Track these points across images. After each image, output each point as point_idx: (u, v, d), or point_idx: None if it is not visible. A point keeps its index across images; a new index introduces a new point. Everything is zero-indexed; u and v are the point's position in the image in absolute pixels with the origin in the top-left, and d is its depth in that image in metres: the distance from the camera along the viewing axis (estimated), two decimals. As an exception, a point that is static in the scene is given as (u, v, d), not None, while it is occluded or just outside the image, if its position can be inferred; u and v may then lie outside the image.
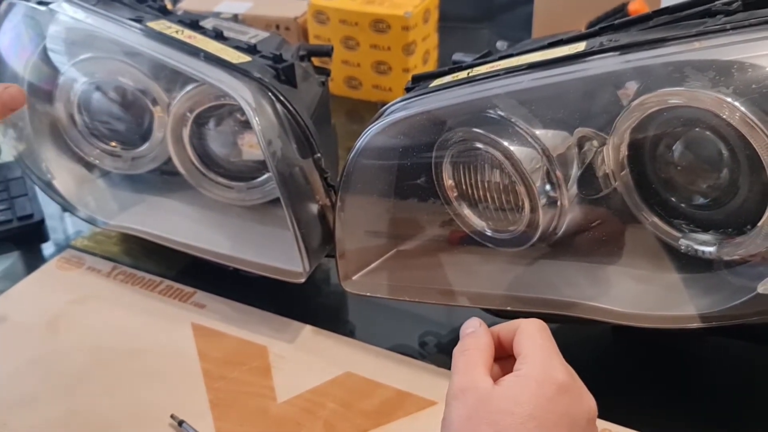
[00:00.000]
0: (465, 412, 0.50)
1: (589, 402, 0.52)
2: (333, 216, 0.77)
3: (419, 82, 0.76)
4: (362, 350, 0.79)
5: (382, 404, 0.73)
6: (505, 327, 0.56)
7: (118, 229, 0.91)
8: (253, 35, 0.89)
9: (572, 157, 0.69)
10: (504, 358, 0.56)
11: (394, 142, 0.75)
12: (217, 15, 1.24)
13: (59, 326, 0.83)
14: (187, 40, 0.80)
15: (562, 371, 0.51)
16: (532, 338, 0.53)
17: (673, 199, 0.68)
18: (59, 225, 1.01)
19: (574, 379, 0.52)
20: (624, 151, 0.67)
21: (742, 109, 0.57)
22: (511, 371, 0.52)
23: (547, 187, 0.70)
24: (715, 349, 0.78)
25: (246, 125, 0.84)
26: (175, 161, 0.87)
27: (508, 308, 0.74)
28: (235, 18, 1.26)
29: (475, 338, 0.55)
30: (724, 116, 0.59)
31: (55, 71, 0.90)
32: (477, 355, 0.54)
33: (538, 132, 0.69)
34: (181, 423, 0.70)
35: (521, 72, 0.67)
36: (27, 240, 0.98)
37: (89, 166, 0.95)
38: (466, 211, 0.77)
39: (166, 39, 0.80)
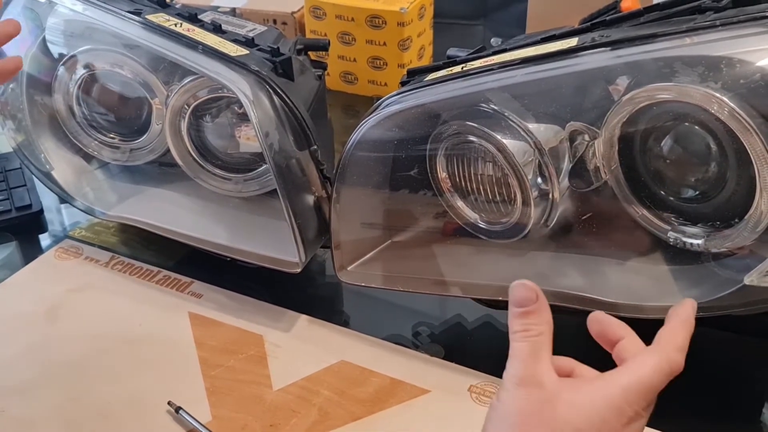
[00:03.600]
0: (525, 406, 0.47)
1: None
2: (329, 207, 0.78)
3: (414, 75, 0.77)
4: (356, 339, 0.80)
5: (375, 392, 0.74)
6: (632, 342, 0.52)
7: (117, 219, 0.92)
8: (251, 29, 0.89)
9: (564, 151, 0.70)
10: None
11: (389, 135, 0.76)
12: (215, 8, 1.25)
13: (58, 315, 0.84)
14: (186, 33, 0.81)
15: (636, 411, 0.48)
16: (643, 366, 0.49)
17: (662, 192, 0.69)
18: (57, 216, 1.02)
19: (644, 416, 0.49)
20: (615, 144, 0.68)
21: (731, 104, 0.58)
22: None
23: (539, 180, 0.71)
24: (702, 339, 0.79)
25: (243, 117, 0.85)
26: (173, 153, 0.88)
27: (500, 299, 0.75)
28: (233, 12, 1.27)
29: (537, 319, 0.50)
30: (713, 111, 0.60)
31: (54, 63, 0.91)
32: (540, 341, 0.49)
33: (530, 126, 0.70)
34: (178, 410, 0.71)
35: (515, 66, 0.68)
36: (25, 230, 0.98)
37: (88, 158, 0.96)
38: (460, 203, 0.78)
39: (165, 32, 0.81)
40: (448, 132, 0.75)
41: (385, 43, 1.21)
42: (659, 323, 0.68)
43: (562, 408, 0.47)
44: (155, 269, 0.90)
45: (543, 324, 0.50)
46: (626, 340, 0.53)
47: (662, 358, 0.50)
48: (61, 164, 0.95)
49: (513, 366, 0.49)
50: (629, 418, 0.47)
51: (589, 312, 0.70)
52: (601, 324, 0.54)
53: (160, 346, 0.80)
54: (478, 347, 0.80)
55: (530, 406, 0.47)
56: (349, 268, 0.81)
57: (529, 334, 0.49)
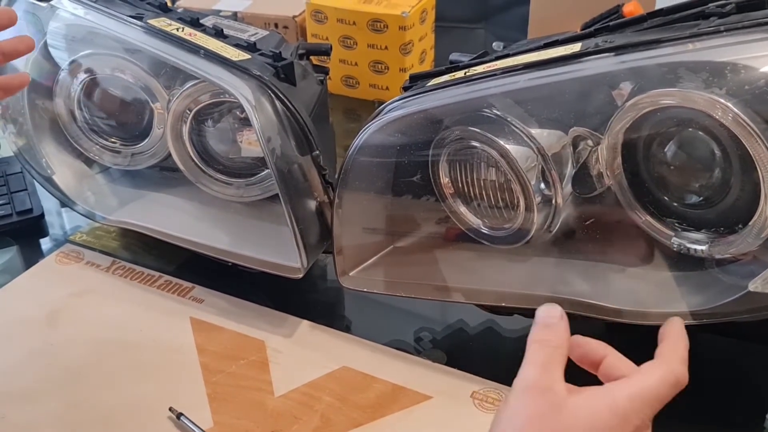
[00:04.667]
0: (534, 410, 0.48)
1: None
2: (331, 213, 0.78)
3: (417, 81, 0.77)
4: (358, 345, 0.80)
5: (377, 398, 0.73)
6: (616, 358, 0.53)
7: (118, 224, 0.92)
8: (253, 33, 0.89)
9: (567, 156, 0.70)
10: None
11: (392, 140, 0.76)
12: (216, 13, 1.25)
13: (58, 320, 0.84)
14: (188, 38, 0.81)
15: (641, 420, 0.48)
16: (650, 375, 0.50)
17: (666, 198, 0.69)
18: (58, 220, 1.02)
19: (649, 427, 0.49)
20: (618, 150, 0.68)
21: (735, 109, 0.58)
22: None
23: (542, 185, 0.71)
24: (706, 346, 0.79)
25: (245, 122, 0.84)
26: (175, 158, 0.88)
27: (503, 304, 0.75)
28: (234, 16, 1.27)
29: (557, 333, 0.52)
30: (717, 117, 0.60)
31: (55, 67, 0.91)
32: (557, 353, 0.51)
33: (533, 131, 0.70)
34: (179, 416, 0.71)
35: (517, 72, 0.68)
36: (26, 234, 0.98)
37: (89, 162, 0.96)
38: (462, 209, 0.78)
39: (167, 36, 0.81)
40: (450, 137, 0.74)
41: (386, 47, 1.21)
42: (658, 329, 0.68)
43: (567, 413, 0.47)
44: (156, 274, 0.90)
45: (561, 340, 0.51)
46: (610, 357, 0.53)
47: (668, 369, 0.50)
48: (62, 168, 0.95)
49: (525, 371, 0.50)
50: (635, 426, 0.48)
51: (592, 318, 0.70)
52: (581, 347, 0.55)
53: (161, 351, 0.80)
54: (481, 353, 0.80)
55: (537, 409, 0.48)
56: (351, 274, 0.80)
57: (547, 344, 0.51)
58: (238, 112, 0.85)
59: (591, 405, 0.48)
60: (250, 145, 0.85)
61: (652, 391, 0.49)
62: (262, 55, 0.82)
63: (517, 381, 0.50)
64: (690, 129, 0.65)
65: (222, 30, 0.84)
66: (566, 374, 0.51)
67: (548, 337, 0.51)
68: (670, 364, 0.51)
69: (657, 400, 0.49)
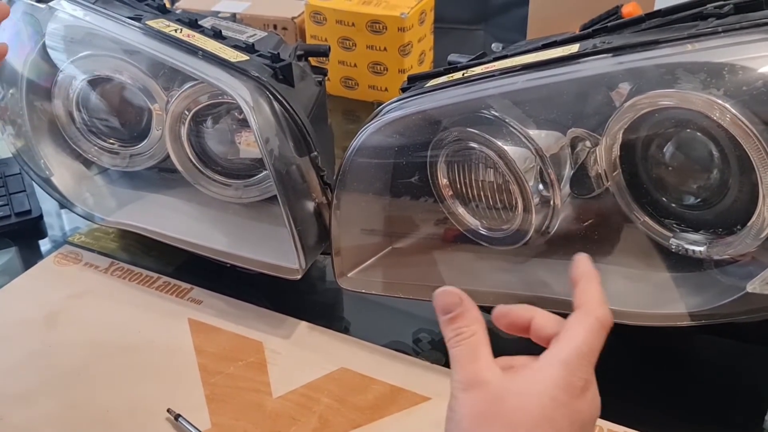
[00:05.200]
0: (475, 408, 0.47)
1: (598, 402, 0.48)
2: (329, 214, 0.78)
3: (415, 82, 0.77)
4: (357, 346, 0.80)
5: (376, 399, 0.73)
6: (544, 317, 0.51)
7: (116, 225, 0.92)
8: (252, 34, 0.89)
9: (565, 157, 0.70)
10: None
11: (390, 142, 0.76)
12: (215, 14, 1.25)
13: (57, 321, 0.84)
14: (186, 39, 0.81)
15: (581, 377, 0.47)
16: (576, 333, 0.48)
17: (664, 199, 0.69)
18: (57, 221, 1.01)
19: (588, 386, 0.47)
20: (616, 151, 0.68)
21: (733, 110, 0.58)
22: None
23: (540, 186, 0.71)
24: (704, 347, 0.79)
25: (244, 123, 0.84)
26: (173, 159, 0.88)
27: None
28: (233, 17, 1.27)
29: (465, 320, 0.50)
30: (715, 118, 0.60)
31: (54, 68, 0.91)
32: (474, 340, 0.49)
33: (531, 132, 0.70)
34: (177, 417, 0.71)
35: (516, 73, 0.68)
36: (25, 236, 0.98)
37: (87, 163, 0.96)
38: (460, 210, 0.78)
39: (165, 37, 0.81)
40: (449, 138, 0.74)
41: (385, 49, 1.21)
42: (657, 331, 0.68)
43: (511, 400, 0.46)
44: (155, 275, 0.90)
45: (473, 324, 0.50)
46: (536, 318, 0.52)
47: (590, 319, 0.49)
48: (61, 170, 0.95)
49: (455, 372, 0.49)
50: (580, 388, 0.47)
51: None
52: (506, 316, 0.53)
53: (160, 352, 0.80)
54: (479, 354, 0.80)
55: (479, 406, 0.47)
56: (349, 275, 0.80)
57: (462, 337, 0.49)
58: (236, 114, 0.85)
59: (531, 385, 0.47)
60: (249, 146, 0.85)
61: (584, 347, 0.48)
62: (260, 56, 0.82)
63: (451, 385, 0.49)
64: (688, 130, 0.65)
65: (220, 31, 0.84)
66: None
67: (459, 329, 0.50)
68: (589, 312, 0.49)
69: (591, 353, 0.48)
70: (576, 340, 0.48)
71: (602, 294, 0.51)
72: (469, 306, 0.51)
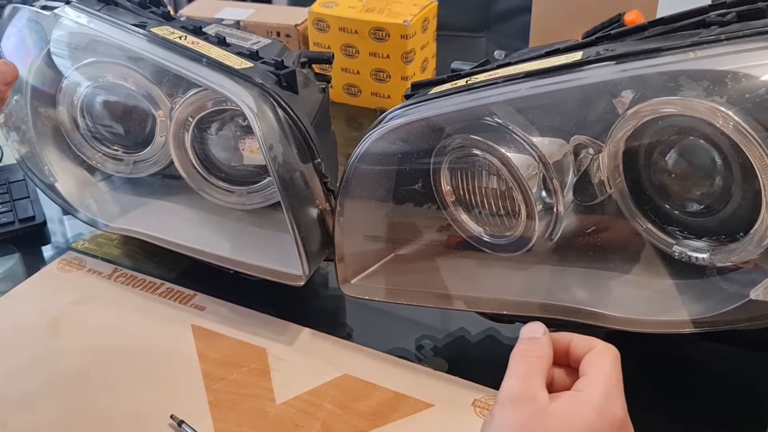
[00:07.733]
0: (518, 419, 0.50)
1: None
2: (332, 220, 0.78)
3: (418, 89, 0.77)
4: (360, 353, 0.80)
5: (379, 406, 0.73)
6: (579, 339, 0.55)
7: (120, 231, 0.92)
8: (256, 41, 0.90)
9: (568, 165, 0.70)
10: (562, 366, 0.56)
11: (393, 148, 0.76)
12: (219, 21, 1.26)
13: (60, 327, 0.84)
14: (190, 46, 0.81)
15: (621, 408, 0.51)
16: (603, 364, 0.52)
17: (667, 206, 0.69)
18: (60, 227, 1.02)
19: (627, 419, 0.51)
20: (619, 158, 0.68)
21: (736, 118, 0.58)
22: (566, 383, 0.53)
23: (544, 193, 0.71)
24: (707, 354, 0.79)
25: (247, 130, 0.85)
26: (177, 165, 0.88)
27: (504, 312, 0.75)
28: (237, 24, 1.27)
29: (539, 345, 0.54)
30: (718, 125, 0.60)
31: (58, 75, 0.91)
32: (538, 363, 0.53)
33: (535, 139, 0.70)
34: (180, 423, 0.71)
35: (519, 80, 0.68)
36: (28, 242, 0.98)
37: (91, 170, 0.96)
38: (464, 217, 0.78)
39: (170, 44, 0.81)
40: (452, 145, 0.75)
41: (388, 56, 1.21)
42: (660, 338, 0.68)
43: (550, 419, 0.49)
44: (158, 281, 0.90)
45: (543, 352, 0.54)
46: (574, 340, 0.56)
47: (609, 352, 0.53)
48: (65, 176, 0.95)
49: (507, 383, 0.52)
50: (620, 420, 0.50)
51: (593, 326, 0.70)
52: (561, 345, 0.56)
53: (163, 358, 0.80)
54: (482, 361, 0.80)
55: (521, 418, 0.50)
56: (352, 281, 0.80)
57: (528, 354, 0.54)
58: (240, 120, 0.85)
59: (570, 406, 0.50)
60: (252, 153, 0.86)
61: (612, 377, 0.52)
62: (264, 63, 0.82)
63: (500, 392, 0.52)
64: (691, 137, 0.65)
65: (225, 38, 0.84)
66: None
67: (530, 349, 0.54)
68: (602, 348, 0.54)
69: (619, 382, 0.52)
70: (605, 370, 0.52)
71: (591, 340, 0.55)
72: (548, 341, 0.55)
